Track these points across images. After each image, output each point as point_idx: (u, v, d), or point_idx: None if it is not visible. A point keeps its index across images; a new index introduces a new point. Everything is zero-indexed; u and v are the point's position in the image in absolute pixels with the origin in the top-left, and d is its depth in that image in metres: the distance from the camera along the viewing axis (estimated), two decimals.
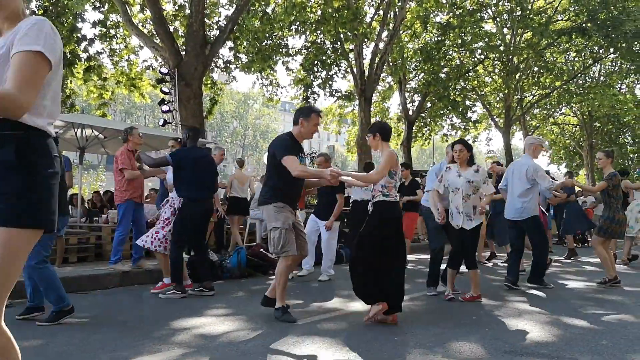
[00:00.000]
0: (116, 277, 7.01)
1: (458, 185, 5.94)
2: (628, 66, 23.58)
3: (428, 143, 27.86)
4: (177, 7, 16.35)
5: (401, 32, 20.68)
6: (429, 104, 23.97)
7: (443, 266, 6.48)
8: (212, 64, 16.43)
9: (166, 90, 13.67)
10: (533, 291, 6.86)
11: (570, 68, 26.12)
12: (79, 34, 15.10)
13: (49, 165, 1.96)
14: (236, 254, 8.10)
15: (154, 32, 14.09)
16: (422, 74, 22.75)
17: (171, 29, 14.77)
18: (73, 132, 9.89)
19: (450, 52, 22.75)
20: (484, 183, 5.97)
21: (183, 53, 13.28)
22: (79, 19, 14.94)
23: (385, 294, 4.79)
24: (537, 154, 7.23)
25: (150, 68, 17.24)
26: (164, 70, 13.47)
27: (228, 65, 17.68)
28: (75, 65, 15.37)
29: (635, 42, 19.32)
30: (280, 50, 18.67)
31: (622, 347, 4.04)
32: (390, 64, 21.32)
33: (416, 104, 23.73)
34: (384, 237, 4.83)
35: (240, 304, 5.86)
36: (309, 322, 4.88)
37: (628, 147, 34.31)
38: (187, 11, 14.87)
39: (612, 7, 18.88)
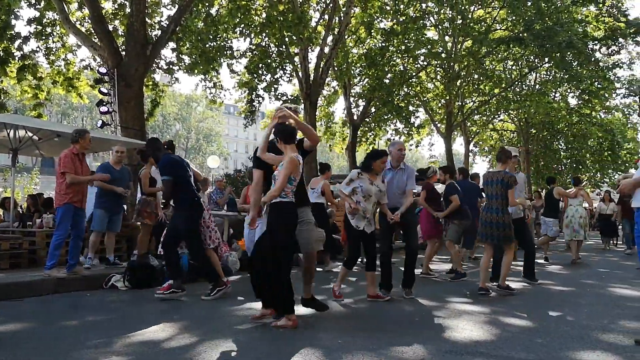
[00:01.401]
0: (51, 284, 6.72)
1: (370, 193, 6.21)
2: (561, 75, 24.56)
3: (372, 147, 28.17)
4: (116, 6, 15.87)
5: (346, 37, 20.85)
6: (373, 109, 24.25)
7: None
8: (154, 65, 16.07)
9: (105, 90, 13.24)
10: (473, 292, 7.03)
11: (508, 76, 27.02)
12: (12, 32, 14.45)
13: None
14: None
15: (92, 31, 13.66)
16: (367, 79, 23.00)
17: (110, 27, 14.34)
18: (5, 134, 9.44)
19: (394, 58, 23.09)
20: (384, 193, 6.37)
21: (123, 53, 12.91)
22: (13, 16, 14.29)
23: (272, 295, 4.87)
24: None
25: (89, 68, 16.70)
26: (103, 70, 13.04)
27: (171, 66, 17.33)
28: (9, 64, 14.71)
29: (568, 52, 20.11)
30: (225, 52, 18.45)
31: (556, 345, 4.18)
32: (335, 68, 21.46)
33: (361, 108, 23.97)
34: (275, 238, 4.79)
35: (182, 310, 5.73)
36: (253, 326, 4.82)
37: (562, 152, 35.80)
38: (127, 10, 14.49)
39: (547, 18, 19.62)
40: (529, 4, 19.76)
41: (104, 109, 13.11)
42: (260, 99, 20.99)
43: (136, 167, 10.56)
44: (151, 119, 17.79)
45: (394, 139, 26.70)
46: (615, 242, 17.11)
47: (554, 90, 28.84)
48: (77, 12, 15.83)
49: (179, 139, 71.57)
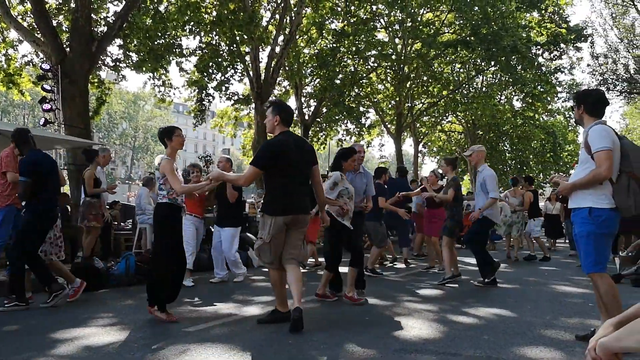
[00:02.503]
0: None
1: (352, 193, 6.27)
2: (507, 79, 25.27)
3: (324, 147, 28.27)
4: (61, 0, 15.37)
5: (297, 37, 20.85)
6: (324, 109, 24.33)
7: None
8: (100, 62, 15.63)
9: (48, 87, 12.75)
10: (422, 291, 7.14)
11: (456, 78, 27.61)
12: None
13: None
14: (124, 261, 7.74)
15: (35, 26, 13.18)
16: (318, 80, 23.06)
17: (54, 23, 13.87)
18: None
19: (345, 59, 23.25)
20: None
21: (67, 49, 12.50)
22: None
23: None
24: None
25: (31, 64, 16.12)
26: (46, 66, 12.56)
27: (117, 63, 16.89)
28: None
29: (513, 57, 20.72)
30: (174, 50, 18.11)
31: (501, 342, 4.28)
32: (287, 68, 21.43)
33: (312, 108, 24.02)
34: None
35: (127, 313, 5.59)
36: (200, 329, 4.75)
37: (507, 153, 36.87)
38: (72, 5, 14.04)
39: (493, 23, 20.16)
40: (476, 8, 20.26)
41: (46, 106, 12.62)
42: (210, 97, 20.74)
43: (81, 166, 10.25)
44: (97, 117, 17.30)
45: (345, 139, 26.92)
46: (554, 243, 17.48)
47: (499, 93, 29.64)
48: (19, 7, 15.25)
49: (125, 138, 69.98)
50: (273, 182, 4.85)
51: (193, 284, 7.50)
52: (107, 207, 8.49)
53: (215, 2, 18.24)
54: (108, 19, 15.84)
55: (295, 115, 25.18)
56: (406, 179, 11.92)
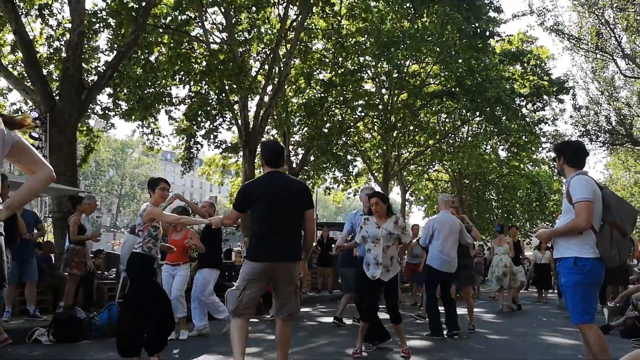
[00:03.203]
0: None
1: (378, 237, 5.82)
2: (492, 129, 25.67)
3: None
4: (52, 50, 15.54)
5: (286, 87, 21.16)
6: (312, 158, 24.48)
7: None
8: (89, 110, 15.71)
9: (36, 135, 12.73)
10: (411, 342, 7.04)
11: (442, 128, 28.02)
12: None
13: None
14: (107, 311, 7.57)
15: (25, 75, 13.28)
16: (306, 128, 23.30)
17: (45, 72, 13.98)
18: None
19: (333, 109, 23.56)
20: (402, 233, 5.92)
21: (57, 97, 12.55)
22: None
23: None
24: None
25: (20, 112, 16.15)
26: (35, 114, 12.56)
27: (106, 112, 16.98)
28: None
29: (497, 107, 21.13)
30: (163, 99, 18.28)
31: None
32: (275, 117, 21.66)
33: (300, 156, 24.15)
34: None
35: None
36: None
37: (493, 202, 37.10)
38: (64, 54, 14.20)
39: (477, 75, 20.63)
40: (460, 61, 20.76)
41: None
42: (198, 145, 20.84)
43: (66, 214, 10.15)
44: (84, 165, 17.26)
45: (332, 187, 27.01)
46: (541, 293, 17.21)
47: (485, 143, 30.05)
48: (10, 56, 15.39)
49: (112, 185, 69.68)
50: (253, 226, 4.52)
51: (185, 337, 7.17)
52: (91, 255, 8.36)
53: (205, 53, 18.55)
54: (99, 69, 15.99)
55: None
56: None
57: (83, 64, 13.80)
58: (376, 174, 28.14)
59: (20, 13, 13.06)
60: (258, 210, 4.45)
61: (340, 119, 24.23)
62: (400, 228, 5.91)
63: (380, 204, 5.93)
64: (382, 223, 5.90)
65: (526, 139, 24.45)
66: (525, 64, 24.58)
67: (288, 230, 4.45)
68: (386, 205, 5.98)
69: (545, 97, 24.24)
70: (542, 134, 27.11)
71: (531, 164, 33.73)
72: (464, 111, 25.25)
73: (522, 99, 23.73)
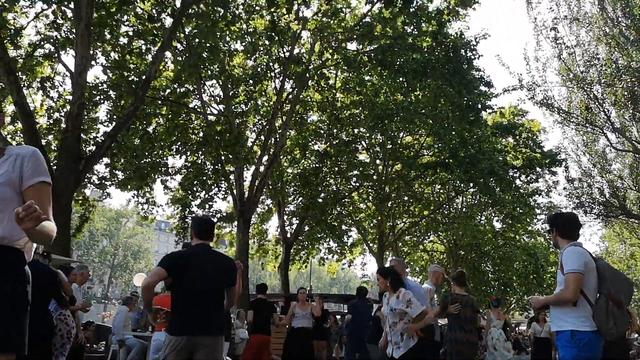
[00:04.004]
0: None
1: (386, 314, 5.64)
2: (486, 200, 25.81)
3: (305, 266, 28.04)
4: (52, 121, 15.80)
5: (281, 157, 21.41)
6: (306, 227, 24.43)
7: None
8: (86, 180, 15.79)
9: None
10: None
11: (437, 199, 28.14)
12: None
13: None
14: None
15: (24, 145, 13.41)
16: (301, 198, 23.39)
17: (43, 142, 14.16)
18: None
19: (328, 179, 23.76)
20: (407, 307, 5.47)
21: (54, 167, 12.63)
22: None
23: None
24: (440, 281, 7.54)
25: None
26: None
27: (103, 181, 17.06)
28: None
29: (491, 179, 21.32)
30: (160, 169, 18.44)
31: None
32: (270, 187, 21.78)
33: (294, 226, 24.10)
34: None
35: None
36: None
37: (490, 274, 36.72)
38: (63, 125, 14.42)
39: (470, 147, 20.95)
40: (453, 133, 21.14)
41: None
42: (193, 215, 20.81)
43: None
44: (78, 235, 17.16)
45: (327, 258, 26.81)
46: None
47: (479, 214, 30.12)
48: (10, 126, 15.61)
49: (105, 255, 68.94)
50: (175, 298, 4.38)
51: None
52: (81, 327, 8.14)
53: (202, 124, 18.88)
54: (97, 139, 16.19)
55: (277, 233, 25.09)
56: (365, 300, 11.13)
57: (82, 135, 13.99)
58: (371, 245, 27.99)
59: (22, 85, 13.35)
60: (182, 281, 4.33)
61: (335, 189, 24.37)
62: (405, 302, 5.50)
63: (380, 279, 5.74)
64: (390, 299, 5.63)
65: (521, 211, 24.58)
66: (517, 137, 25.05)
67: (210, 304, 4.37)
68: (387, 280, 5.66)
69: (538, 169, 24.55)
70: (536, 205, 27.26)
71: (527, 235, 33.69)
72: (458, 182, 25.45)
73: (516, 170, 24.03)
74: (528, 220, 28.24)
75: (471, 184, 23.62)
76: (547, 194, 28.08)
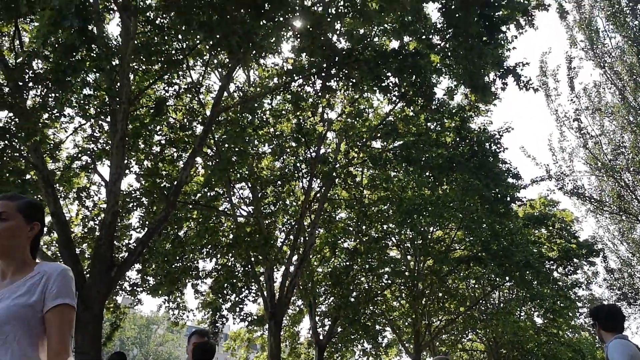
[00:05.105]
0: None
1: None
2: (524, 294, 25.02)
3: None
4: (86, 230, 16.15)
5: (311, 256, 21.30)
6: (339, 328, 23.79)
7: None
8: (117, 287, 15.86)
9: None
10: None
11: (472, 294, 27.36)
12: None
13: None
14: None
15: (59, 254, 13.66)
16: (332, 298, 22.96)
17: (77, 250, 14.40)
18: None
19: (359, 277, 23.41)
20: None
21: (87, 275, 12.73)
22: None
23: None
24: None
25: None
26: None
27: (134, 288, 17.10)
28: None
29: (527, 272, 20.78)
30: (190, 272, 18.47)
31: None
32: (301, 287, 21.51)
33: (327, 327, 23.50)
34: None
35: None
36: None
37: None
38: (97, 233, 14.71)
39: (503, 239, 20.62)
40: (484, 226, 20.90)
41: None
42: (224, 319, 20.50)
43: None
44: (109, 344, 16.98)
45: None
46: None
47: (518, 309, 29.07)
48: (46, 236, 15.98)
49: None
50: None
51: None
52: None
53: (232, 226, 19.06)
54: (129, 245, 16.42)
55: (309, 335, 24.51)
56: None
57: (114, 242, 14.20)
58: (407, 345, 27.00)
59: (59, 196, 13.80)
60: None
61: (366, 287, 23.94)
62: None
63: None
64: None
65: (562, 304, 23.63)
66: (551, 227, 24.63)
67: None
68: None
69: (575, 260, 23.89)
70: (577, 298, 26.28)
71: (570, 330, 32.22)
72: (492, 276, 24.87)
73: (552, 262, 23.41)
74: (570, 314, 27.09)
75: (507, 278, 23.04)
76: (587, 286, 27.13)
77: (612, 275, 23.69)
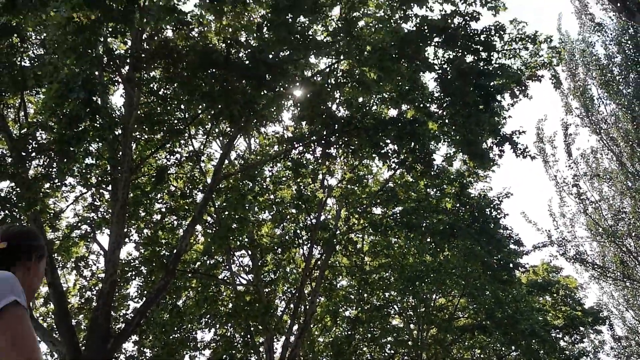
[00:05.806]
0: None
1: None
2: None
3: None
4: (83, 300, 15.88)
5: (312, 326, 20.85)
6: None
7: None
8: (114, 359, 15.43)
9: None
10: None
11: None
12: None
13: None
14: None
15: (54, 326, 13.37)
16: None
17: (74, 321, 14.11)
18: None
19: (361, 346, 22.86)
20: None
21: (83, 347, 12.41)
22: None
23: None
24: None
25: None
26: None
27: None
28: None
29: (533, 340, 20.28)
30: (188, 344, 18.03)
31: None
32: (302, 357, 20.93)
33: None
34: None
35: None
36: None
37: None
38: (94, 304, 14.46)
39: (507, 307, 20.24)
40: (487, 293, 20.57)
41: None
42: None
43: None
44: None
45: None
46: None
47: None
48: (42, 308, 15.71)
49: None
50: None
51: None
52: None
53: (231, 294, 18.77)
54: (127, 316, 16.10)
55: None
56: None
57: (112, 312, 13.93)
58: None
59: (57, 266, 13.67)
60: None
61: (369, 358, 23.35)
62: None
63: None
64: None
65: None
66: (555, 294, 24.23)
67: None
68: None
69: (581, 328, 23.38)
70: None
71: None
72: (498, 345, 24.28)
73: (558, 331, 22.88)
74: None
75: (512, 347, 22.49)
76: (594, 356, 26.40)
77: (619, 344, 23.14)
